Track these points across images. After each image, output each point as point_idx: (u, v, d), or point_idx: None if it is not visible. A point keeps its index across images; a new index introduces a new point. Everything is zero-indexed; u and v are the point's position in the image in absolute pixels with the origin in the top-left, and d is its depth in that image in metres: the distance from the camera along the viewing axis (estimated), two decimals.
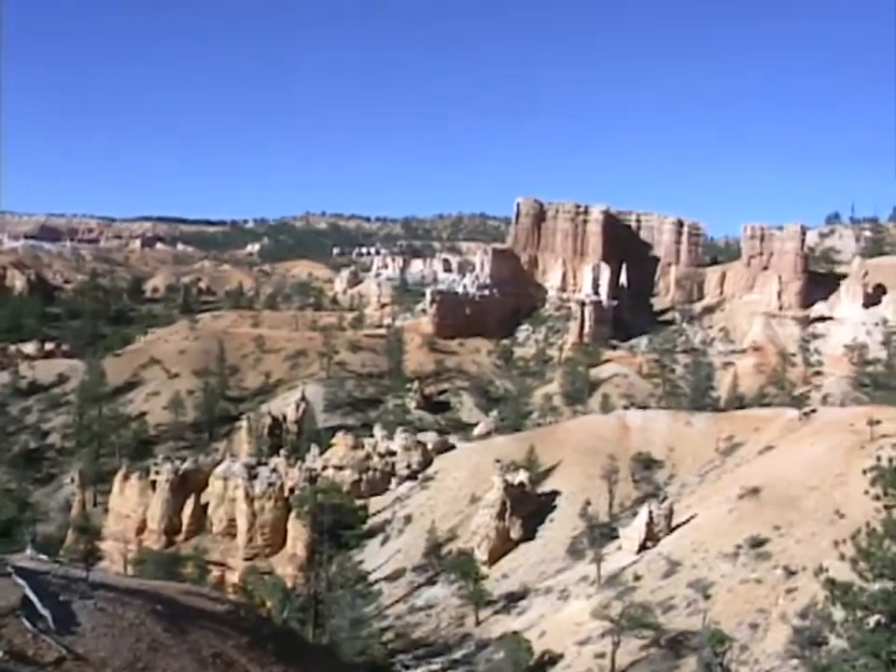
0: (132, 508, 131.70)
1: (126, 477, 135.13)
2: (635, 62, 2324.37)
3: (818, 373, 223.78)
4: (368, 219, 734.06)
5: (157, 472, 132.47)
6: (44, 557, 22.23)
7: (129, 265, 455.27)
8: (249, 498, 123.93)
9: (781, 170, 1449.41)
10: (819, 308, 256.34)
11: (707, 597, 78.18)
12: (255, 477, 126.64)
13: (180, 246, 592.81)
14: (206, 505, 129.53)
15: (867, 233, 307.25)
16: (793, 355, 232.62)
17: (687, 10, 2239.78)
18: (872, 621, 32.66)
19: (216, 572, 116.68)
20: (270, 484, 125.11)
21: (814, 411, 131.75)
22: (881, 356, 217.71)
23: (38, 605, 16.83)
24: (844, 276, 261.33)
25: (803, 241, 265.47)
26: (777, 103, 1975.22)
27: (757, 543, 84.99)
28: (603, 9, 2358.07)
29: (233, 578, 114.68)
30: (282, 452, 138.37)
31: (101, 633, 17.04)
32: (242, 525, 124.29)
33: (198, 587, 44.63)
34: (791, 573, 77.93)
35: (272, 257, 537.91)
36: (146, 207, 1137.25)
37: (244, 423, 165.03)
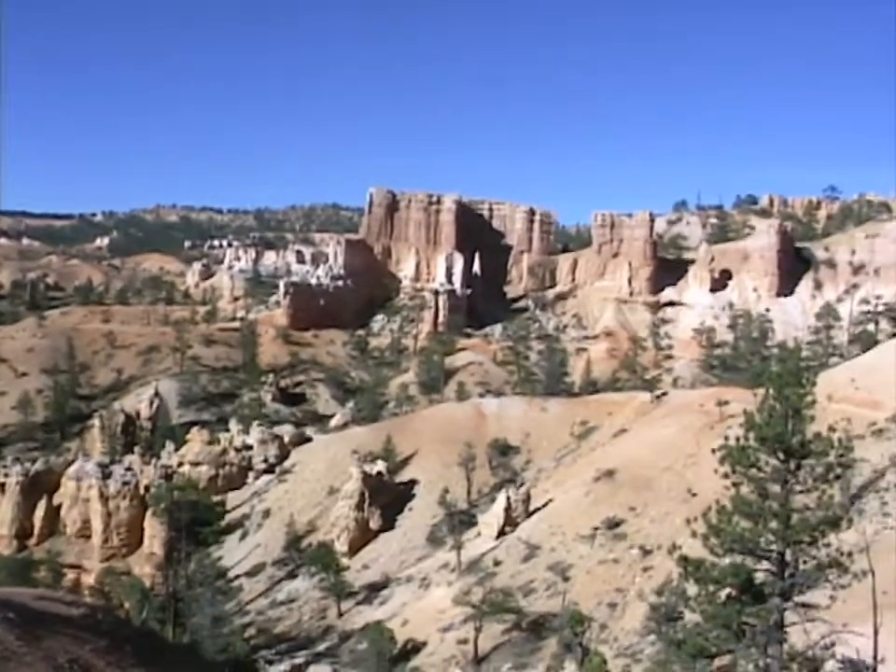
0: None
1: None
2: (482, 54, 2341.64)
3: (668, 357, 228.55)
4: (220, 211, 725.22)
5: (6, 475, 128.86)
6: None
7: None
8: (104, 498, 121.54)
9: (630, 159, 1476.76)
10: (668, 293, 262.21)
11: (566, 579, 79.46)
12: (109, 476, 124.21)
13: (25, 241, 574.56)
14: (59, 507, 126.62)
15: (713, 220, 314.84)
16: (644, 339, 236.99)
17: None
18: (723, 594, 33.63)
19: (71, 575, 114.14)
20: (125, 483, 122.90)
21: (665, 393, 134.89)
22: (728, 338, 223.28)
23: None
24: (691, 262, 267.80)
25: (651, 228, 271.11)
26: (624, 92, 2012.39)
27: (613, 524, 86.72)
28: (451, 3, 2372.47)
29: (89, 580, 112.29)
30: (136, 450, 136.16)
31: None
32: (97, 525, 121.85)
33: (52, 591, 43.60)
34: (646, 552, 79.71)
35: (122, 251, 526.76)
36: None
37: (96, 421, 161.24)
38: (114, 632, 23.05)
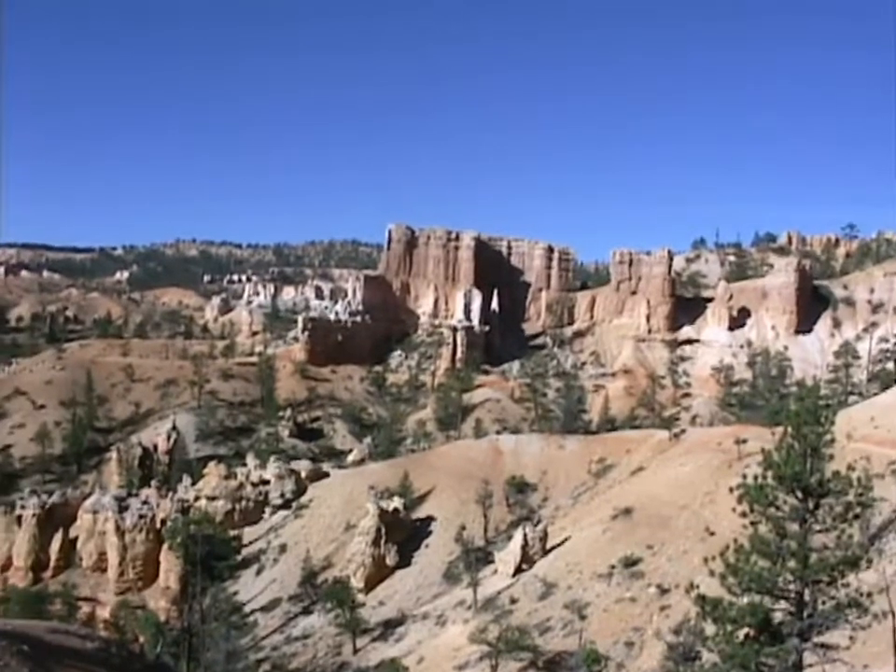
0: None
1: None
2: (501, 92, 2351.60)
3: (686, 395, 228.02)
4: (239, 246, 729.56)
5: (23, 507, 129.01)
6: None
7: None
8: (120, 531, 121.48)
9: (649, 196, 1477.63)
10: (686, 331, 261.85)
11: (582, 618, 78.78)
12: (125, 509, 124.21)
13: (46, 274, 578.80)
14: (75, 539, 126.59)
15: (731, 258, 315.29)
16: (662, 377, 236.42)
17: (553, 38, 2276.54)
18: (741, 634, 33.32)
19: (85, 608, 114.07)
20: (141, 516, 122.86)
21: (683, 431, 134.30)
22: (746, 376, 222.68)
23: None
24: (710, 300, 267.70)
25: (670, 265, 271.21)
26: (643, 131, 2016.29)
27: (630, 563, 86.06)
28: (458, 28, 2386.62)
29: (104, 613, 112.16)
30: (153, 483, 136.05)
31: None
32: (112, 558, 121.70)
33: (66, 625, 43.46)
34: (664, 591, 79.09)
35: (141, 284, 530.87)
36: (9, 234, 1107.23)
37: (113, 454, 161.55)
38: (126, 666, 22.96)
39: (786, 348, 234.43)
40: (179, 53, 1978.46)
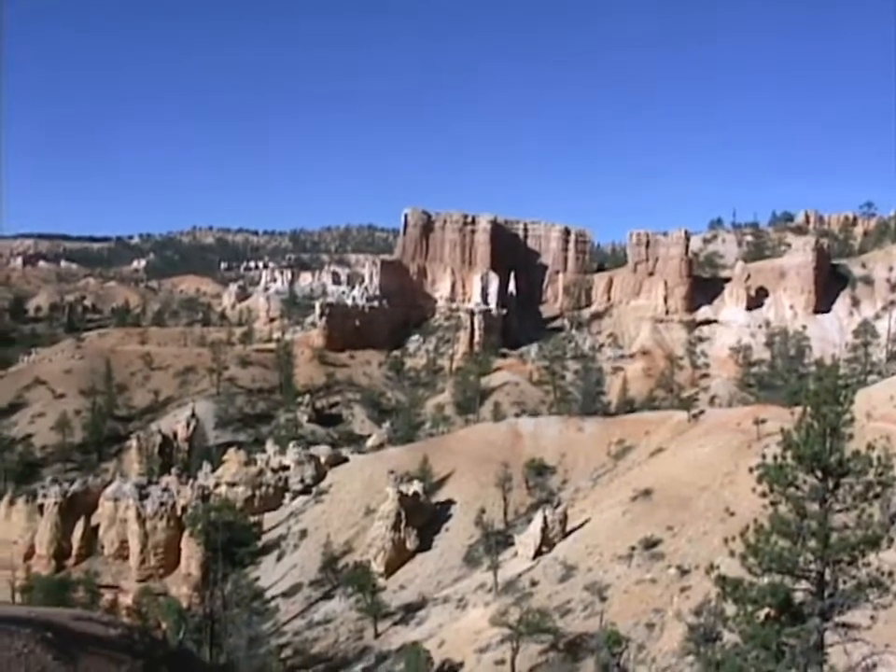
0: (18, 533, 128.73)
1: (12, 501, 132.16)
2: (516, 77, 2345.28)
3: (705, 375, 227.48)
4: (255, 233, 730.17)
5: (44, 495, 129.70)
6: None
7: (10, 284, 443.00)
8: (141, 519, 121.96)
9: (665, 177, 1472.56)
10: (704, 311, 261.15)
11: (603, 599, 78.81)
12: (146, 497, 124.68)
13: (64, 264, 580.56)
14: (97, 527, 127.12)
15: (749, 238, 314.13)
16: (681, 358, 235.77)
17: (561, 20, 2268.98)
18: (762, 614, 33.23)
19: (108, 595, 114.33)
20: (161, 504, 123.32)
21: (702, 412, 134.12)
22: (765, 356, 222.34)
23: None
24: (727, 280, 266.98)
25: (687, 246, 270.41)
26: (659, 110, 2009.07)
27: (651, 544, 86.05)
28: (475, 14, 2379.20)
29: (127, 600, 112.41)
30: (173, 470, 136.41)
31: None
32: (134, 546, 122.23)
33: (89, 612, 43.67)
34: (684, 572, 79.00)
35: (158, 273, 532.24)
36: (27, 224, 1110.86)
37: (133, 442, 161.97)
38: (150, 653, 23.01)
39: (804, 328, 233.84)
40: (199, 42, 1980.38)
